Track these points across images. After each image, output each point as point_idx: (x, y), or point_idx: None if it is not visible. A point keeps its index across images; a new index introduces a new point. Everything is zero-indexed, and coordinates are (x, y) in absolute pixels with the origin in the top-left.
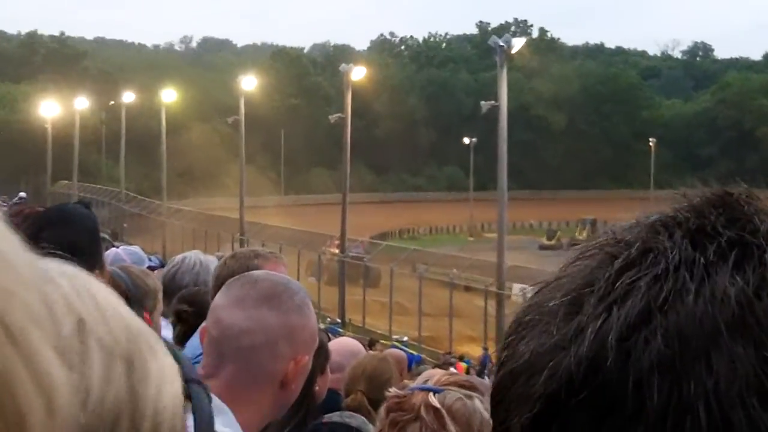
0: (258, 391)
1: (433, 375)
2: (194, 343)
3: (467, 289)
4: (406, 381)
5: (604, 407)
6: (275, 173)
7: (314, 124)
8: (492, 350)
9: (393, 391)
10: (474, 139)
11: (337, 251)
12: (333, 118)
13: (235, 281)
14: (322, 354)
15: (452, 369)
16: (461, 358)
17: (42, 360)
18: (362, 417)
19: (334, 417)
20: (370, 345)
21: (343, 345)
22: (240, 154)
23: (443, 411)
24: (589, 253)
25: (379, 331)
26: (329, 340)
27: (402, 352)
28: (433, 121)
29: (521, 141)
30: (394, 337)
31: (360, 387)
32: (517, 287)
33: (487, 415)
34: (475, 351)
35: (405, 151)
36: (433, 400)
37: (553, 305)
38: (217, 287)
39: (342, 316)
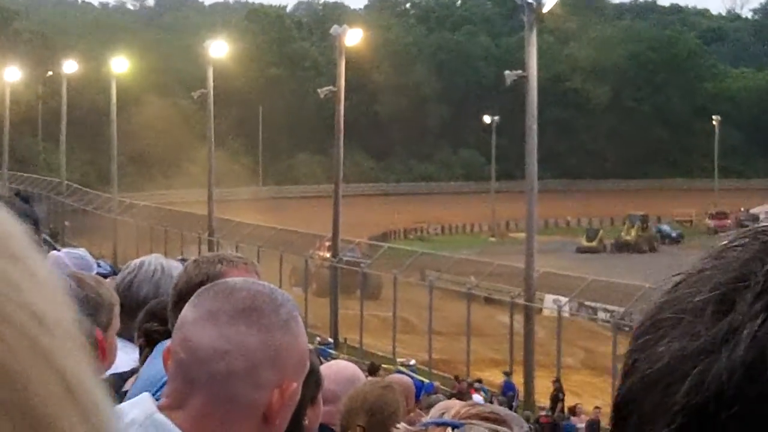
0: (235, 426)
1: (450, 406)
2: (155, 367)
3: (488, 301)
4: (413, 414)
5: (762, 424)
6: (252, 159)
7: (300, 99)
8: (519, 376)
9: (402, 426)
10: (496, 118)
11: (328, 255)
12: (323, 92)
13: (207, 291)
14: (313, 380)
15: (477, 398)
16: (477, 383)
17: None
18: None
19: None
20: (371, 371)
21: (338, 370)
22: (208, 136)
23: None
24: (738, 243)
25: (380, 354)
26: (321, 363)
27: (408, 379)
28: (446, 95)
29: (554, 119)
30: (399, 360)
31: (359, 421)
32: (549, 299)
33: None
34: (498, 377)
35: (411, 133)
36: None
37: (698, 301)
38: (175, 301)
39: (335, 334)
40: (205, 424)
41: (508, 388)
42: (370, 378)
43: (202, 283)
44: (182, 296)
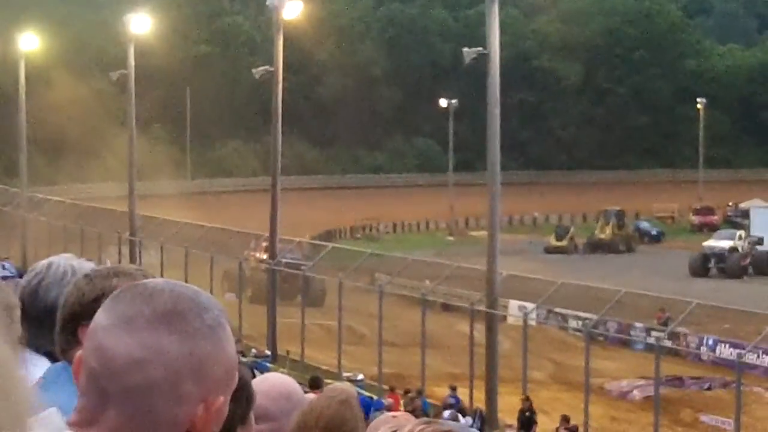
0: None
1: (402, 424)
2: (60, 378)
3: (446, 308)
4: None
5: None
6: (178, 149)
7: (232, 80)
8: (480, 393)
9: None
10: (454, 101)
11: (265, 257)
12: (258, 72)
13: (123, 294)
14: (243, 396)
15: (447, 414)
16: (416, 394)
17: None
18: None
19: None
20: (313, 386)
21: (273, 385)
22: (129, 122)
23: None
24: None
25: (324, 367)
26: (254, 377)
27: (353, 391)
28: (398, 76)
29: (520, 103)
30: (345, 374)
31: None
32: (514, 305)
33: None
34: (458, 394)
35: (359, 119)
36: None
37: None
38: (65, 321)
39: (273, 346)
40: None
41: (454, 404)
42: (312, 393)
43: (96, 300)
44: (74, 315)
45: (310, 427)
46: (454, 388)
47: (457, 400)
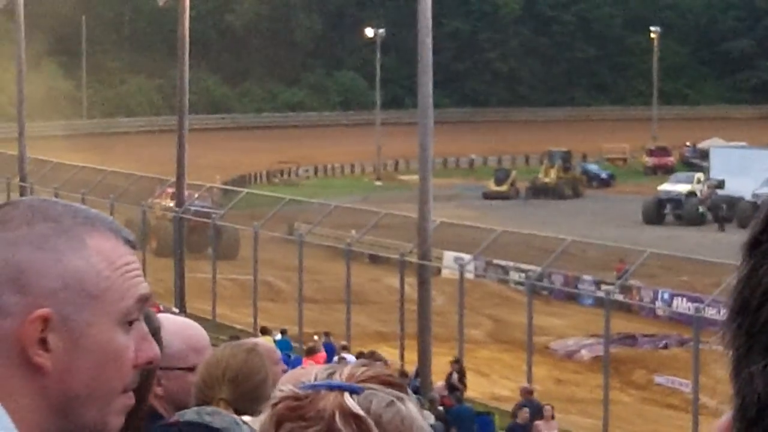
0: None
1: (338, 367)
2: None
3: (373, 260)
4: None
5: None
6: (73, 85)
7: (133, 9)
8: (412, 353)
9: (286, 388)
10: (381, 31)
11: (171, 204)
12: None
13: None
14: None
15: (350, 358)
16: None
17: None
18: (231, 416)
19: (189, 414)
20: None
21: (173, 327)
22: (18, 55)
23: (370, 421)
24: None
25: (238, 327)
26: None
27: (270, 344)
28: (318, 2)
29: (455, 32)
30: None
31: (222, 393)
32: (449, 256)
33: (425, 425)
34: (387, 354)
35: (275, 50)
36: (352, 404)
37: None
38: None
39: (181, 304)
40: None
41: (327, 351)
42: (231, 341)
43: None
44: None
45: (217, 378)
46: (328, 334)
47: (333, 350)
